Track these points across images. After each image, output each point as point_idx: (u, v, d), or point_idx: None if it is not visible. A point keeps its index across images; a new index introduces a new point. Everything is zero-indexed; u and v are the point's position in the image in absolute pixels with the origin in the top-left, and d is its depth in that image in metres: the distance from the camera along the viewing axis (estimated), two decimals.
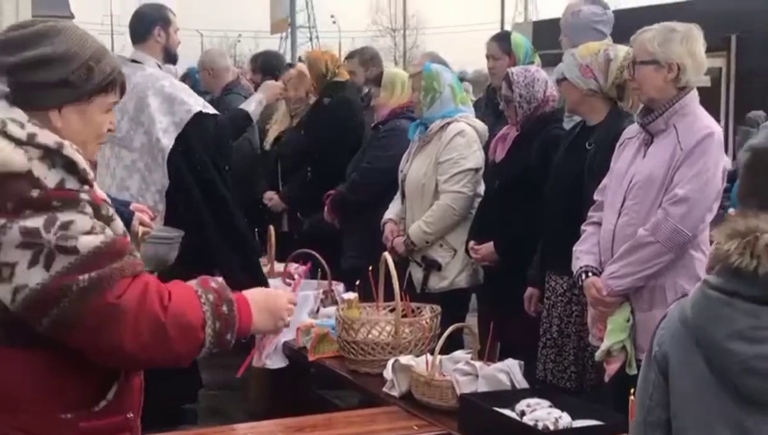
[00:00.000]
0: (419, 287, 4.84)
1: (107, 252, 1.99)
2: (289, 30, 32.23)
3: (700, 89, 3.61)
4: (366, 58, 6.57)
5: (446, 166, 4.81)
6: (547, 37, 7.37)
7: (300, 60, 6.53)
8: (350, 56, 6.74)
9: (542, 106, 4.49)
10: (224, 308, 2.11)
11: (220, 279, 2.20)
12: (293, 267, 5.11)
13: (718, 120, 4.09)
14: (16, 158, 1.96)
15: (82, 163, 2.03)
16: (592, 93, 4.03)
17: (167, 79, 4.83)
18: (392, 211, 5.12)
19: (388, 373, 3.72)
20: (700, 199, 3.40)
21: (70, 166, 2.01)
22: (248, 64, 8.18)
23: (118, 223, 2.12)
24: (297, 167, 6.08)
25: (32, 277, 1.93)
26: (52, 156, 1.99)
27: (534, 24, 19.12)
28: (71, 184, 2.00)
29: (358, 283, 4.53)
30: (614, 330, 3.50)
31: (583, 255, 3.68)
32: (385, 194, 5.24)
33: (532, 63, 5.12)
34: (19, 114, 2.03)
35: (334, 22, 61.94)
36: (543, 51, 6.30)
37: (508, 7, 47.89)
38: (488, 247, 4.56)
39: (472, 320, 4.98)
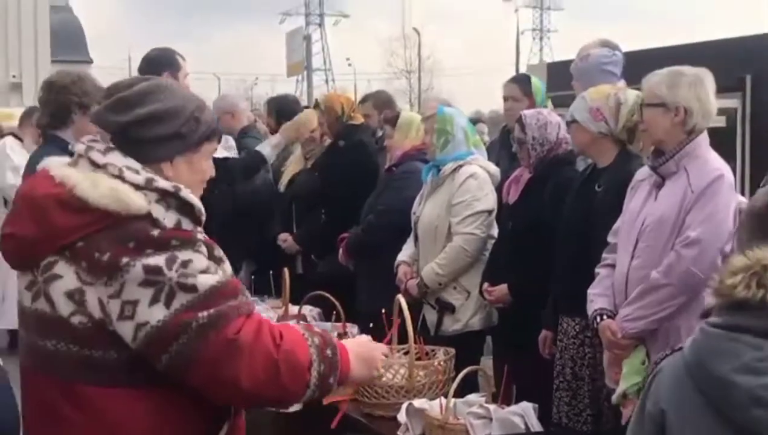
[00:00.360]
0: (433, 330, 4.83)
1: (223, 291, 2.07)
2: (305, 73, 32.52)
3: (715, 129, 3.63)
4: (380, 101, 6.62)
5: (459, 208, 4.83)
6: (561, 78, 7.41)
7: (317, 103, 6.54)
8: (364, 100, 6.79)
9: (555, 149, 4.51)
10: (329, 352, 2.18)
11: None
12: (307, 309, 5.11)
13: (733, 160, 4.11)
14: (137, 200, 2.07)
15: (198, 204, 2.16)
16: (602, 135, 4.05)
17: None
18: (405, 253, 5.13)
19: (402, 417, 3.69)
20: (712, 241, 3.41)
21: (186, 208, 2.14)
22: (264, 108, 8.25)
23: (227, 265, 2.20)
24: (311, 209, 6.10)
25: (153, 314, 2.01)
26: (169, 198, 2.12)
27: (548, 66, 19.25)
28: (187, 224, 2.13)
29: (372, 325, 4.52)
30: (630, 373, 3.49)
31: (597, 298, 3.68)
32: (400, 236, 5.24)
33: (545, 107, 5.15)
34: (132, 162, 2.14)
35: (349, 65, 62.37)
36: (557, 92, 6.35)
37: (522, 49, 48.10)
38: (502, 289, 4.55)
39: (487, 362, 4.96)
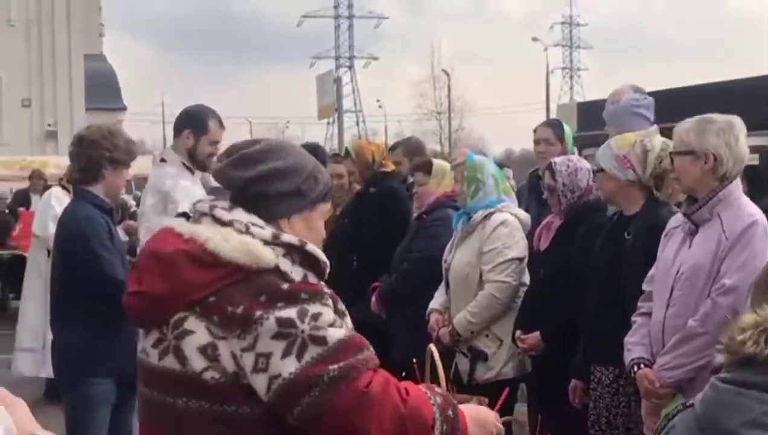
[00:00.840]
0: (466, 378, 4.79)
1: (351, 344, 2.10)
2: (336, 115, 32.73)
3: (751, 167, 3.59)
4: (410, 148, 6.62)
5: (490, 256, 4.80)
6: (592, 118, 7.41)
7: (347, 151, 6.56)
8: (395, 147, 6.78)
9: (586, 195, 4.49)
10: (450, 413, 2.20)
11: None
12: None
13: None
14: (267, 254, 2.11)
15: (324, 258, 2.21)
16: (629, 183, 4.03)
17: (175, 178, 4.76)
18: (437, 301, 5.10)
19: None
20: (747, 288, 3.34)
21: (312, 262, 2.19)
22: None
23: (349, 318, 2.24)
24: (342, 256, 6.09)
25: (286, 366, 2.03)
26: (294, 253, 2.16)
27: (578, 105, 19.23)
28: (312, 278, 2.17)
29: (404, 374, 4.48)
30: None
31: (634, 346, 3.65)
32: (432, 284, 5.22)
33: (572, 153, 5.16)
34: (256, 218, 2.19)
35: (380, 107, 62.79)
36: (587, 132, 6.34)
37: (552, 88, 48.16)
38: (535, 336, 4.52)
39: (521, 410, 4.91)
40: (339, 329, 2.09)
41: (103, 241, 4.25)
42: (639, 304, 3.75)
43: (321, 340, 2.05)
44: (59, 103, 34.72)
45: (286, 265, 2.13)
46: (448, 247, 5.14)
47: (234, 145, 2.33)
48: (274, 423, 2.07)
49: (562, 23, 71.42)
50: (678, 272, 3.52)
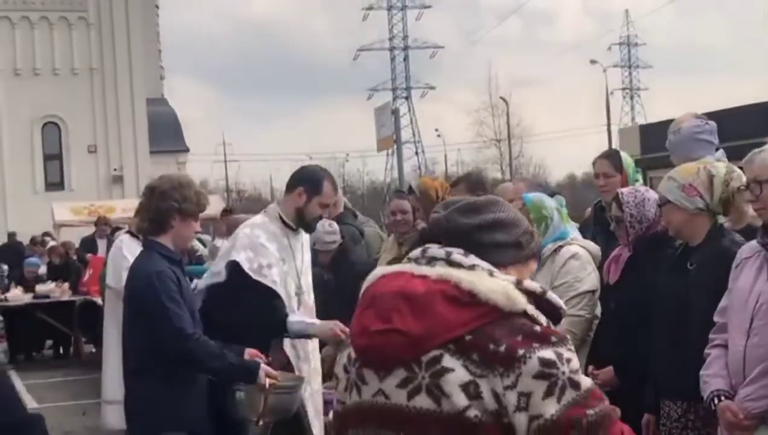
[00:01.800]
0: None
1: (596, 392, 2.12)
2: (395, 146, 32.83)
3: None
4: (472, 182, 6.58)
5: (562, 290, 4.71)
6: (655, 140, 7.31)
7: (410, 189, 6.55)
8: (456, 183, 6.75)
9: (654, 226, 4.41)
10: None
11: None
12: None
13: None
14: (521, 298, 2.16)
15: (563, 306, 2.27)
16: (698, 212, 3.95)
17: (255, 227, 4.80)
18: None
19: None
20: None
21: (549, 309, 2.22)
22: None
23: None
24: None
25: (546, 407, 2.05)
26: (534, 299, 2.20)
27: (641, 128, 19.10)
28: (553, 325, 2.19)
29: None
30: None
31: (711, 379, 3.56)
32: None
33: (637, 181, 5.11)
34: (487, 265, 2.23)
35: (438, 136, 62.87)
36: (651, 154, 6.25)
37: (613, 109, 47.79)
38: (608, 371, 4.42)
39: None
40: (585, 377, 2.14)
41: (171, 294, 4.23)
42: (711, 335, 3.67)
43: (577, 385, 2.08)
44: (124, 148, 35.49)
45: (531, 309, 2.17)
46: None
47: (452, 200, 2.45)
48: None
49: (620, 44, 71.07)
50: (757, 302, 3.43)
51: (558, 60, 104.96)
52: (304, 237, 5.01)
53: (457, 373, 2.09)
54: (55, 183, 35.72)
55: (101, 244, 15.01)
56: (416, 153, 66.52)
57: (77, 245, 16.44)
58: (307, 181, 4.80)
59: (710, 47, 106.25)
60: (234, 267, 4.68)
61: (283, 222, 4.81)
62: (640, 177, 5.35)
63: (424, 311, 2.14)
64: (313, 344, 4.97)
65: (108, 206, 22.73)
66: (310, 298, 4.97)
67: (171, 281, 4.25)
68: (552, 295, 2.25)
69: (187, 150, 40.78)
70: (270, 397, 4.22)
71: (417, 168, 59.09)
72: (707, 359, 3.64)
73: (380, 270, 2.33)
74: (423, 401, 2.12)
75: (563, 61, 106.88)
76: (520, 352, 2.06)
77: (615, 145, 46.22)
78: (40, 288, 14.55)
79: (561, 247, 4.80)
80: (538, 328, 2.12)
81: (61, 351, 15.03)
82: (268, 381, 4.20)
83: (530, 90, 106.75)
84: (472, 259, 2.23)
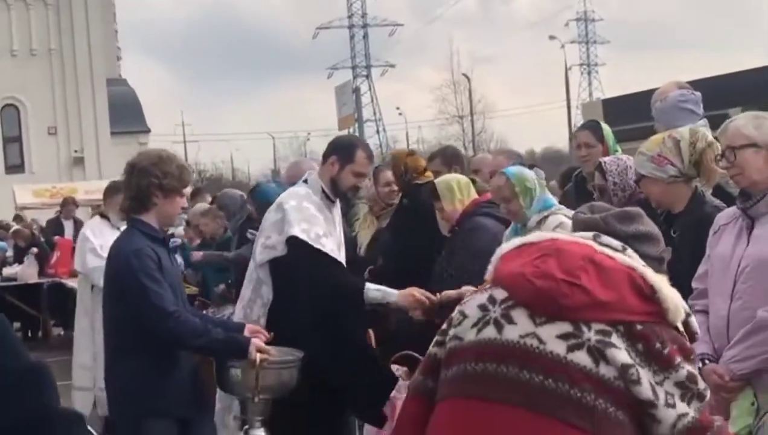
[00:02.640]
0: None
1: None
2: (356, 125, 32.83)
3: None
4: (448, 156, 6.61)
5: None
6: (618, 114, 7.43)
7: (384, 158, 6.59)
8: (432, 157, 6.79)
9: (636, 194, 4.50)
10: None
11: None
12: (394, 368, 5.11)
13: None
14: (683, 313, 2.40)
15: (698, 331, 2.52)
16: (674, 180, 4.04)
17: (301, 199, 4.66)
18: None
19: None
20: None
21: (690, 333, 2.44)
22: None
23: None
24: (382, 269, 6.03)
25: (687, 409, 2.28)
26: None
27: (603, 102, 19.27)
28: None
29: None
30: (741, 415, 3.47)
31: (696, 344, 3.63)
32: None
33: (617, 151, 5.23)
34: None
35: (400, 114, 62.85)
36: (614, 128, 6.34)
37: (571, 85, 47.96)
38: None
39: None
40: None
41: (150, 272, 4.12)
42: (691, 302, 3.72)
43: (703, 398, 2.31)
44: (84, 129, 35.08)
45: (681, 326, 2.38)
46: None
47: (599, 205, 2.68)
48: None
49: (577, 19, 71.26)
50: (740, 266, 3.53)
51: (517, 37, 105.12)
52: (338, 210, 4.90)
53: (622, 352, 2.26)
54: (16, 165, 35.28)
55: (68, 225, 14.93)
56: (377, 131, 66.41)
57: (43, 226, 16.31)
58: (340, 149, 4.73)
59: (666, 23, 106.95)
60: (294, 242, 4.52)
61: (324, 193, 4.71)
62: (619, 148, 5.42)
63: (610, 284, 2.31)
64: None
65: (70, 188, 22.57)
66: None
67: (150, 259, 4.14)
68: (693, 321, 2.46)
69: (148, 130, 40.36)
70: (263, 373, 4.08)
71: (378, 146, 58.98)
72: None
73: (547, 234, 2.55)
74: (582, 358, 2.26)
75: (522, 37, 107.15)
76: (677, 360, 2.28)
77: (575, 120, 46.54)
78: (7, 271, 14.44)
79: (547, 216, 4.86)
80: (688, 344, 2.35)
81: (30, 334, 14.92)
82: (259, 356, 4.06)
83: (490, 67, 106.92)
84: (642, 262, 2.40)
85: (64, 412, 1.50)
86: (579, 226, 2.58)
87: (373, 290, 4.58)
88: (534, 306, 2.33)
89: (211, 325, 4.25)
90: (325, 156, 4.79)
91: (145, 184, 4.20)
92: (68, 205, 15.56)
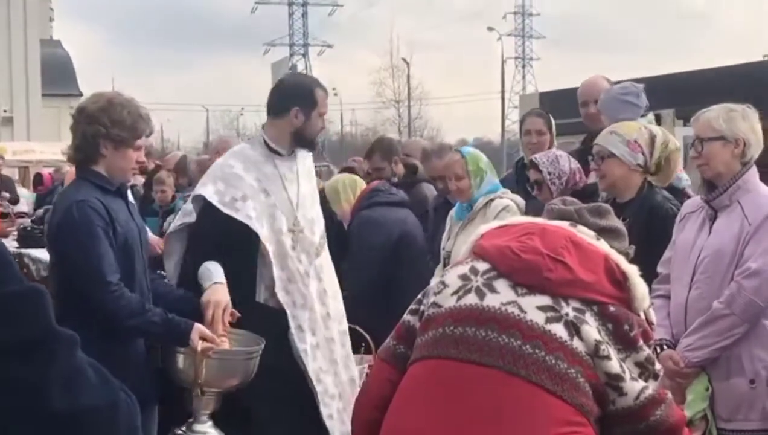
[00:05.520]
0: None
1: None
2: None
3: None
4: (385, 149, 6.53)
5: None
6: (555, 108, 7.57)
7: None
8: (371, 153, 6.61)
9: (572, 179, 4.65)
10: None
11: None
12: None
13: None
14: (648, 303, 2.54)
15: (654, 321, 2.66)
16: (637, 168, 4.14)
17: (229, 156, 4.22)
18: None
19: None
20: None
21: (649, 322, 2.55)
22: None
23: None
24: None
25: (647, 386, 2.41)
26: None
27: (541, 95, 19.45)
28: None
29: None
30: (695, 400, 3.60)
31: (656, 328, 3.73)
32: (390, 277, 5.21)
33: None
34: None
35: (335, 95, 62.55)
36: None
37: (506, 78, 48.35)
38: None
39: None
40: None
41: (92, 228, 3.50)
42: (655, 286, 3.85)
43: (657, 377, 2.46)
44: (15, 89, 34.24)
45: (644, 314, 2.51)
46: (445, 235, 5.22)
47: (569, 198, 2.84)
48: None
49: (515, 13, 71.74)
50: (699, 256, 3.65)
51: (455, 26, 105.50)
52: (303, 164, 4.32)
53: (593, 329, 2.37)
54: None
55: None
56: None
57: None
58: (300, 98, 4.17)
59: (601, 21, 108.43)
60: (203, 202, 4.06)
61: (269, 147, 4.20)
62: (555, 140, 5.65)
63: (590, 265, 2.45)
64: (330, 285, 4.33)
65: None
66: (313, 234, 4.24)
67: (95, 212, 3.52)
68: (652, 312, 2.61)
69: (80, 94, 39.53)
70: (208, 364, 3.55)
71: None
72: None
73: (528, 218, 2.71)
74: (559, 330, 2.36)
75: (460, 27, 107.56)
76: (640, 343, 2.41)
77: (510, 111, 46.94)
78: None
79: (492, 199, 4.98)
80: (650, 330, 2.49)
81: None
82: (201, 345, 3.52)
83: (428, 54, 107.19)
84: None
85: (63, 333, 1.51)
86: (554, 215, 2.68)
87: (205, 268, 3.95)
88: (518, 277, 2.44)
89: (151, 304, 3.64)
90: (282, 109, 4.19)
91: (92, 133, 3.62)
92: None
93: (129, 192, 3.93)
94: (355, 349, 5.01)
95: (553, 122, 5.67)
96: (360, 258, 5.33)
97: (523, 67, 71.75)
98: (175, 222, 4.24)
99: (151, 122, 3.80)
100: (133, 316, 3.51)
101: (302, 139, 4.23)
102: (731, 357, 3.59)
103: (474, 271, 2.50)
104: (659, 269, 3.87)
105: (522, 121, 5.91)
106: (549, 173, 4.63)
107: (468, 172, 5.04)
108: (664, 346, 3.71)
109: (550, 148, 5.47)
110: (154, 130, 3.85)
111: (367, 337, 4.97)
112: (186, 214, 4.15)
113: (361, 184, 5.46)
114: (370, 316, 4.80)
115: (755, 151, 3.67)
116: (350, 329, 5.00)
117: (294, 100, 4.18)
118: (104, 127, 3.60)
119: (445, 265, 5.12)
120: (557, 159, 4.69)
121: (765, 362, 3.53)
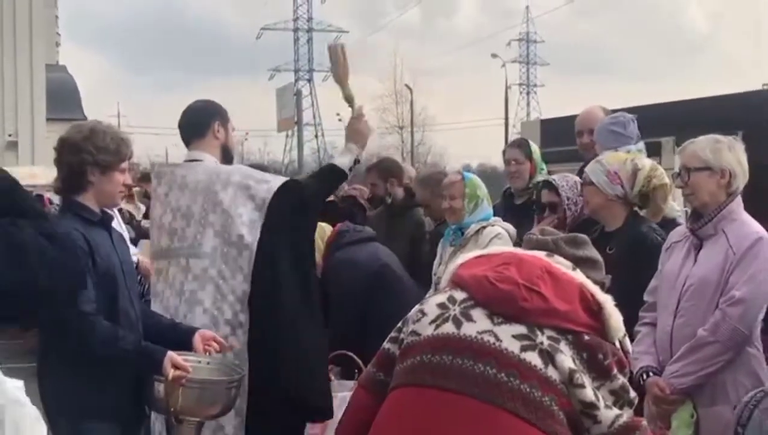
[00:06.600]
0: None
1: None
2: (296, 128, 32.72)
3: None
4: (382, 169, 6.62)
5: None
6: (555, 135, 7.60)
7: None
8: (369, 170, 6.75)
9: (585, 207, 4.63)
10: None
11: None
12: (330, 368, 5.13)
13: None
14: (622, 332, 2.58)
15: (630, 350, 2.70)
16: (615, 199, 4.20)
17: (234, 169, 4.29)
18: None
19: None
20: (755, 300, 3.57)
21: (625, 352, 2.61)
22: None
23: None
24: None
25: (622, 414, 2.46)
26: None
27: (542, 122, 19.51)
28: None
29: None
30: (680, 426, 3.64)
31: (641, 355, 3.80)
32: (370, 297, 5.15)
33: (543, 170, 5.59)
34: None
35: (339, 120, 62.67)
36: (551, 148, 6.51)
37: (510, 104, 48.48)
38: None
39: None
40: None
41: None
42: (641, 314, 3.91)
43: (632, 405, 2.52)
44: (20, 114, 34.41)
45: (618, 343, 2.56)
46: (437, 261, 5.25)
47: (548, 229, 2.91)
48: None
49: (519, 40, 72.04)
50: (684, 285, 3.70)
51: (459, 53, 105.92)
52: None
53: (567, 358, 2.42)
54: None
55: None
56: (316, 136, 66.38)
57: None
58: (215, 111, 4.39)
59: (604, 48, 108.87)
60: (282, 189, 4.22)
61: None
62: (545, 167, 5.66)
63: (565, 295, 2.48)
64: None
65: None
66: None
67: (74, 244, 3.47)
68: (627, 341, 2.64)
69: (85, 119, 39.73)
70: (185, 392, 3.49)
71: (316, 150, 58.93)
72: (637, 336, 3.87)
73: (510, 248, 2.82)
74: (534, 358, 2.40)
75: (465, 53, 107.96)
76: (614, 372, 2.46)
77: (513, 138, 46.94)
78: None
79: (484, 227, 5.03)
80: (624, 359, 2.53)
81: None
82: (172, 373, 3.47)
83: (432, 80, 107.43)
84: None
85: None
86: (532, 245, 2.75)
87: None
88: (494, 306, 2.49)
89: (140, 332, 3.71)
90: (204, 124, 4.33)
91: (77, 162, 3.69)
92: None
93: (118, 214, 3.94)
94: (350, 375, 5.06)
95: (534, 150, 5.70)
96: (342, 299, 5.22)
97: (527, 93, 72.07)
98: (250, 235, 4.16)
99: (132, 145, 3.90)
100: (105, 344, 3.51)
101: (226, 154, 4.40)
102: (716, 384, 3.62)
103: (452, 300, 2.55)
104: (646, 297, 3.91)
105: (503, 152, 6.03)
106: (568, 198, 4.65)
107: (464, 194, 5.09)
108: (650, 373, 3.74)
109: (530, 175, 5.59)
110: (133, 154, 3.93)
111: (360, 362, 4.99)
112: (252, 221, 4.18)
113: (328, 229, 5.42)
114: (359, 350, 4.84)
115: (741, 181, 3.72)
116: (344, 356, 5.03)
117: (212, 115, 4.41)
118: (90, 154, 3.68)
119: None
120: (576, 185, 4.69)
121: (749, 389, 3.54)
